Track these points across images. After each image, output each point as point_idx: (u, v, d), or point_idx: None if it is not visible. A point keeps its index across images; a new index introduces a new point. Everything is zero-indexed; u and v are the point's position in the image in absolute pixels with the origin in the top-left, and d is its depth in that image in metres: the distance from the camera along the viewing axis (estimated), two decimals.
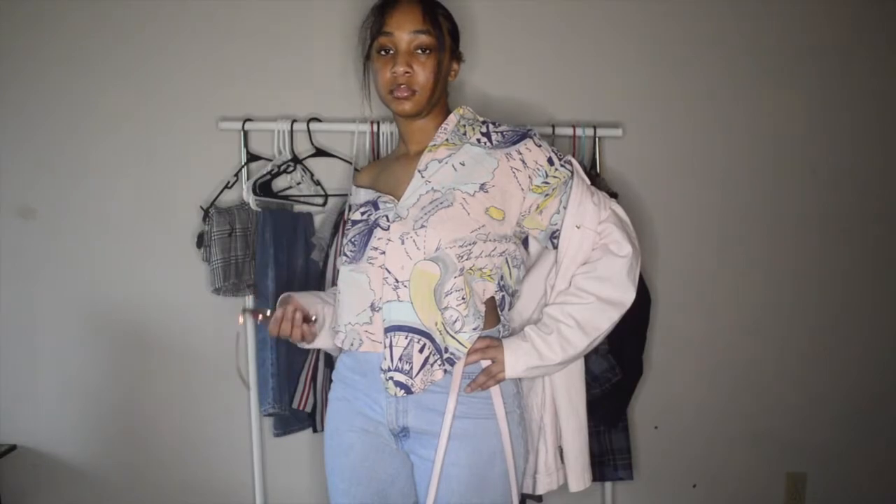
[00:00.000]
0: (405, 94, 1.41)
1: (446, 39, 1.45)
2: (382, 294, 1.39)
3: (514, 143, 1.43)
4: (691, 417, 2.20)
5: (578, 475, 1.55)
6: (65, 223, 2.08)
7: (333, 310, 1.53)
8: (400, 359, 1.36)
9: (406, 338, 1.37)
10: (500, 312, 1.46)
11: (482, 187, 1.39)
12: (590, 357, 1.88)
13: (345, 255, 1.46)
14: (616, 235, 1.43)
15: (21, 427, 2.12)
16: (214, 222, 1.93)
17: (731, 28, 2.10)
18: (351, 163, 2.00)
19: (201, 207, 2.00)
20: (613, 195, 1.96)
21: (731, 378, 2.19)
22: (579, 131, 2.00)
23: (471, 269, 1.38)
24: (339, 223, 1.93)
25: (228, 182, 2.02)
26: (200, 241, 1.97)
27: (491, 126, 1.48)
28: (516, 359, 1.39)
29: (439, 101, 1.48)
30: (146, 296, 2.10)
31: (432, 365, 1.38)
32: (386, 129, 1.96)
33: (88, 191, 2.07)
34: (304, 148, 2.02)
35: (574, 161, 1.49)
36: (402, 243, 1.37)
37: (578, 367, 1.53)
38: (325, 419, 1.55)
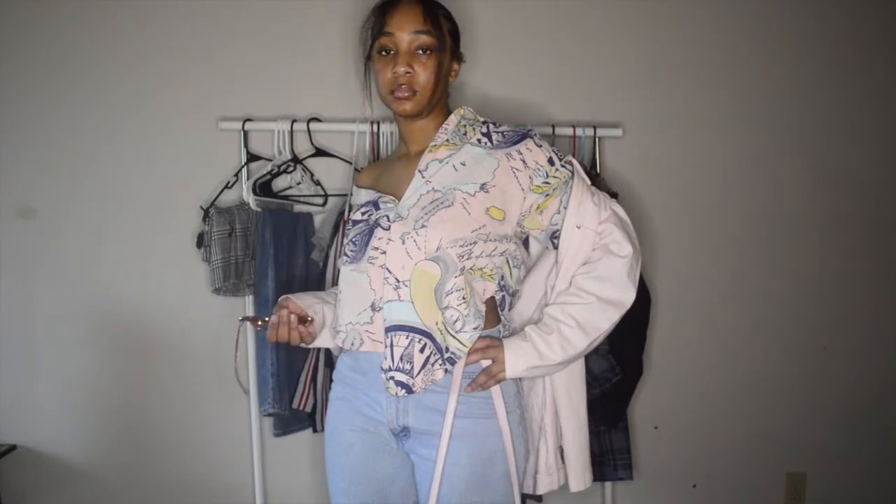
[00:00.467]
0: (406, 95, 1.41)
1: (447, 40, 1.45)
2: (383, 294, 1.39)
3: (515, 143, 1.43)
4: (691, 417, 2.20)
5: (579, 475, 1.54)
6: (65, 223, 2.08)
7: (334, 309, 1.53)
8: (401, 358, 1.37)
9: (407, 337, 1.37)
10: (500, 312, 1.46)
11: (483, 187, 1.39)
12: (590, 357, 1.88)
13: (345, 254, 1.46)
14: (616, 235, 1.43)
15: (21, 427, 2.11)
16: (214, 222, 1.93)
17: (731, 28, 2.10)
18: (351, 163, 2.00)
19: (201, 207, 2.00)
20: (613, 195, 1.96)
21: (731, 378, 2.19)
22: (579, 131, 2.00)
23: (471, 268, 1.38)
24: (339, 223, 1.93)
25: (228, 182, 2.02)
26: (200, 241, 1.97)
27: (491, 126, 1.48)
28: (517, 358, 1.39)
29: (440, 102, 1.48)
30: (146, 296, 2.10)
31: (433, 364, 1.38)
32: (386, 129, 1.96)
33: (88, 191, 2.07)
34: (304, 148, 2.02)
35: (574, 161, 1.49)
36: (403, 243, 1.37)
37: (579, 367, 1.53)
38: (326, 419, 1.55)
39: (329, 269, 1.93)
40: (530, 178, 1.42)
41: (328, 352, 1.92)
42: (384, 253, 1.39)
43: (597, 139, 2.03)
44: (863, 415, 2.22)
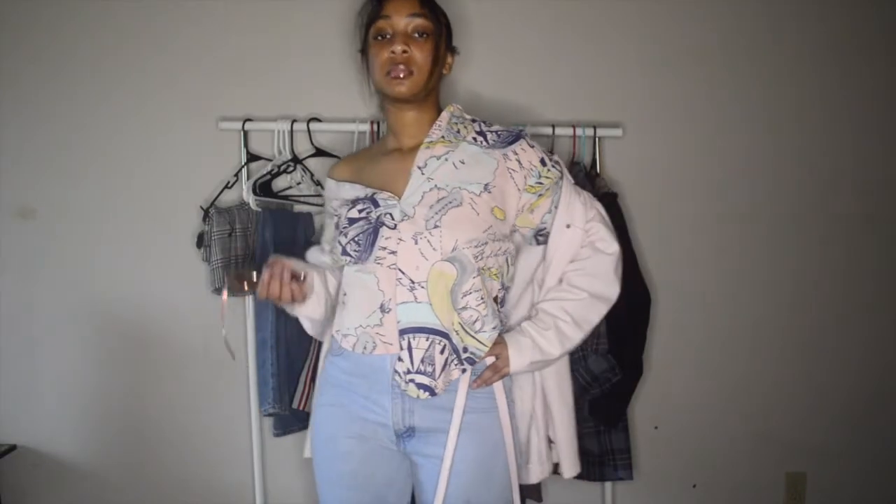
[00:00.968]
0: (402, 75, 1.40)
1: (443, 26, 1.47)
2: (395, 295, 1.38)
3: (510, 143, 1.46)
4: (691, 417, 2.20)
5: (572, 461, 1.59)
6: (65, 223, 2.08)
7: (324, 277, 1.55)
8: (422, 361, 1.37)
9: (427, 339, 1.37)
10: (499, 309, 1.48)
11: (486, 188, 1.41)
12: (590, 357, 1.89)
13: (348, 254, 1.44)
14: (603, 233, 1.49)
15: (21, 427, 2.12)
16: (214, 222, 1.93)
17: (731, 28, 2.10)
18: None
19: (201, 207, 2.00)
20: (613, 195, 1.96)
21: (731, 378, 2.19)
22: (579, 131, 2.00)
23: (483, 268, 1.41)
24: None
25: (228, 182, 2.02)
26: (200, 241, 1.97)
27: (483, 125, 1.49)
28: (520, 355, 1.41)
29: (433, 93, 1.49)
30: (146, 296, 2.10)
31: (451, 365, 1.39)
32: (385, 129, 1.96)
33: (88, 191, 2.08)
34: (304, 148, 2.02)
35: (561, 161, 1.52)
36: (416, 243, 1.37)
37: (565, 358, 1.57)
38: (314, 425, 1.52)
39: None
40: (525, 178, 1.44)
41: None
42: (394, 253, 1.38)
43: (597, 139, 2.03)
44: (863, 415, 2.22)
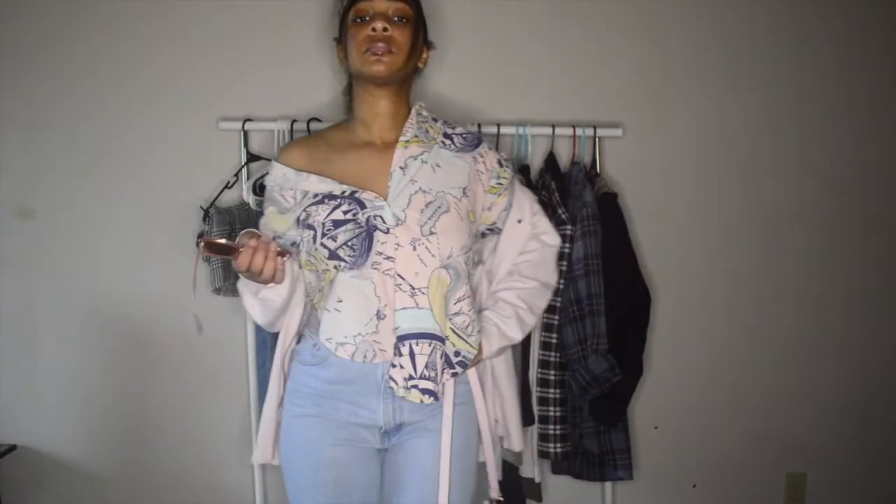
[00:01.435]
0: (381, 52, 1.38)
1: (422, 15, 1.47)
2: (393, 301, 1.37)
3: (475, 146, 1.51)
4: (691, 417, 2.20)
5: (520, 435, 1.64)
6: (65, 223, 2.08)
7: (296, 264, 1.45)
8: (426, 366, 1.37)
9: (430, 345, 1.38)
10: None
11: (464, 192, 1.45)
12: (589, 357, 1.89)
13: (340, 259, 1.38)
14: (546, 226, 1.59)
15: (21, 427, 2.12)
16: (214, 222, 1.93)
17: (731, 28, 2.10)
18: None
19: (201, 207, 2.00)
20: (613, 195, 1.96)
21: (731, 378, 2.19)
22: (579, 131, 2.00)
23: (470, 273, 1.46)
24: None
25: (228, 182, 2.02)
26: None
27: (447, 126, 1.52)
28: (489, 342, 1.48)
29: (406, 84, 1.48)
30: (146, 296, 2.10)
31: (445, 368, 1.41)
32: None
33: (88, 191, 2.08)
34: None
35: (510, 160, 1.60)
36: (415, 249, 1.37)
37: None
38: (287, 436, 1.46)
39: None
40: (488, 179, 1.51)
41: None
42: (391, 258, 1.36)
43: (597, 139, 2.03)
44: (863, 415, 2.22)
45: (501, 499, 1.55)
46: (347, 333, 1.39)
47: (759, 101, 2.12)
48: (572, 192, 1.95)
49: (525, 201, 1.56)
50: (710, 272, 2.16)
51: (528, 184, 1.93)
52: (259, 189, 1.98)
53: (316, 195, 1.40)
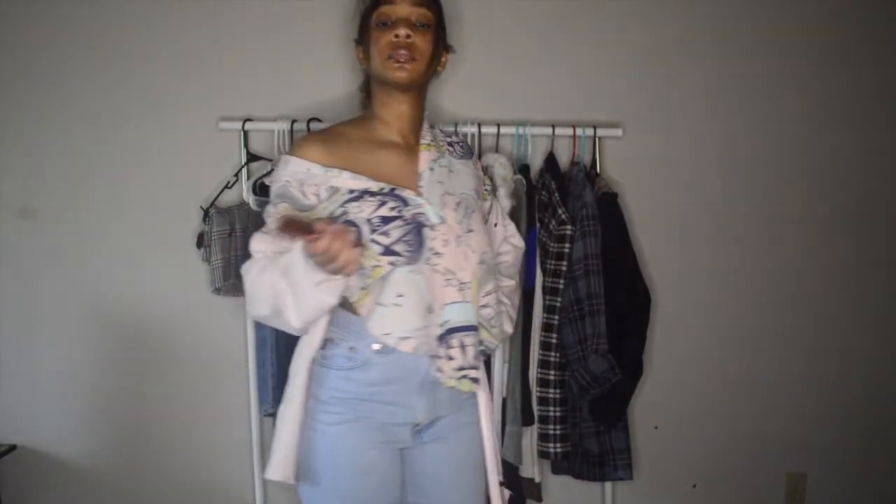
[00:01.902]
0: (405, 59, 1.39)
1: (443, 20, 1.48)
2: (443, 296, 1.38)
3: (470, 154, 1.59)
4: (691, 417, 2.20)
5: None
6: (65, 223, 2.08)
7: None
8: (475, 357, 1.42)
9: (475, 336, 1.42)
10: None
11: (476, 194, 1.51)
12: (589, 357, 1.89)
13: (396, 254, 1.36)
14: (513, 230, 1.68)
15: (21, 427, 2.12)
16: (214, 222, 1.93)
17: (731, 29, 2.10)
18: None
19: (201, 207, 2.00)
20: (613, 195, 1.96)
21: (731, 378, 2.19)
22: (579, 131, 2.00)
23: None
24: None
25: (228, 182, 2.02)
26: (200, 241, 1.97)
27: (443, 134, 1.57)
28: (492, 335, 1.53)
29: (424, 87, 1.49)
30: (146, 296, 2.10)
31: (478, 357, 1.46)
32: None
33: (88, 191, 2.08)
34: None
35: None
36: (458, 245, 1.40)
37: None
38: (325, 447, 1.41)
39: None
40: (482, 184, 1.59)
41: None
42: (439, 254, 1.38)
43: (597, 139, 2.03)
44: (863, 415, 2.22)
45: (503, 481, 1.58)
46: (409, 327, 1.36)
47: (758, 100, 2.12)
48: (572, 192, 1.95)
49: (499, 206, 1.66)
50: (710, 272, 2.16)
51: (528, 184, 1.93)
52: (259, 189, 1.98)
53: (352, 191, 1.37)
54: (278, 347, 1.96)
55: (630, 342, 1.94)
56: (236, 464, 2.13)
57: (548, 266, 1.92)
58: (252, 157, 2.02)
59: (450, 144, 1.54)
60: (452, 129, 1.92)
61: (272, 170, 1.98)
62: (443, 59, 1.51)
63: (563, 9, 2.07)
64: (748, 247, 2.16)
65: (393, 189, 1.39)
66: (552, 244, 1.92)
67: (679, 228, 2.14)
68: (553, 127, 1.99)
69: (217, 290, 1.96)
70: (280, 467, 1.43)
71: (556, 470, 2.07)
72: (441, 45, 1.48)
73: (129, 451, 2.14)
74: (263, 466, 2.10)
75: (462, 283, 1.39)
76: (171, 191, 2.08)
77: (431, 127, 1.54)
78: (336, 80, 2.04)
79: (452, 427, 1.47)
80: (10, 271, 2.09)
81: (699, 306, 2.17)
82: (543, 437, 1.92)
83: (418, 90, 1.47)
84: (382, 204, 1.37)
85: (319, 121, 2.00)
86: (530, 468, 1.96)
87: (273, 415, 1.98)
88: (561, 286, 1.89)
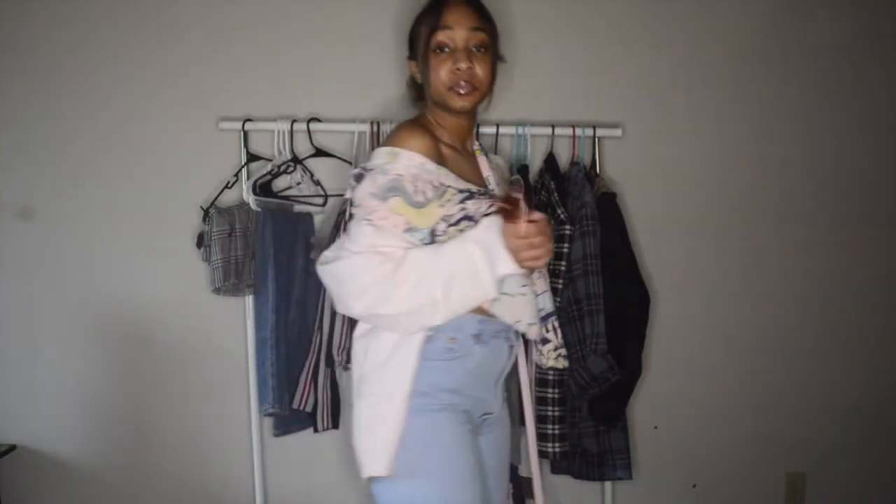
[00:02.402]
0: (467, 91, 1.41)
1: (498, 38, 1.48)
2: (536, 286, 1.48)
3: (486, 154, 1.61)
4: (691, 417, 2.20)
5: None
6: (65, 223, 2.08)
7: None
8: (560, 338, 1.54)
9: (556, 320, 1.53)
10: None
11: None
12: (588, 357, 1.89)
13: None
14: None
15: (21, 427, 2.12)
16: (214, 222, 1.93)
17: (730, 30, 2.10)
18: (351, 163, 2.00)
19: (201, 207, 2.00)
20: (613, 195, 1.96)
21: (732, 378, 2.19)
22: (579, 131, 2.00)
23: None
24: (340, 223, 1.93)
25: (228, 182, 2.03)
26: (200, 241, 1.97)
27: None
28: None
29: None
30: (146, 296, 2.10)
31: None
32: (386, 129, 1.96)
33: (88, 191, 2.08)
34: (304, 148, 2.02)
35: None
36: None
37: None
38: (435, 432, 1.41)
39: None
40: None
41: (328, 351, 1.92)
42: None
43: (596, 139, 2.03)
44: (863, 415, 2.22)
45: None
46: (533, 314, 1.46)
47: (758, 100, 2.12)
48: (571, 192, 1.95)
49: None
50: (710, 272, 2.16)
51: (526, 184, 1.93)
52: (259, 189, 1.99)
53: (462, 190, 1.37)
54: (278, 347, 1.96)
55: (629, 342, 1.94)
56: (236, 464, 2.13)
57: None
58: (252, 157, 2.02)
59: (481, 146, 1.59)
60: None
61: (272, 170, 1.98)
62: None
63: (562, 9, 2.07)
64: (747, 246, 2.16)
65: (487, 191, 1.43)
66: None
67: (679, 228, 2.14)
68: (552, 127, 2.00)
69: (217, 290, 1.96)
70: (382, 462, 1.37)
71: (556, 469, 2.07)
72: (497, 62, 1.48)
73: (129, 451, 2.14)
74: (263, 467, 2.11)
75: (541, 274, 1.50)
76: (171, 191, 2.08)
77: None
78: (336, 80, 2.04)
79: (496, 419, 1.52)
80: (10, 271, 2.09)
81: (699, 306, 2.17)
82: (542, 437, 1.91)
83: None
84: (490, 205, 1.37)
85: (319, 120, 2.01)
86: (529, 468, 1.96)
87: (273, 415, 1.99)
88: (560, 286, 1.89)
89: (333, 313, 1.91)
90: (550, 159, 2.01)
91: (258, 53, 2.05)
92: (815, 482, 2.23)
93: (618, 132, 2.04)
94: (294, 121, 1.99)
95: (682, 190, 2.13)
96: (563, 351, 1.55)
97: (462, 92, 1.40)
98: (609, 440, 1.99)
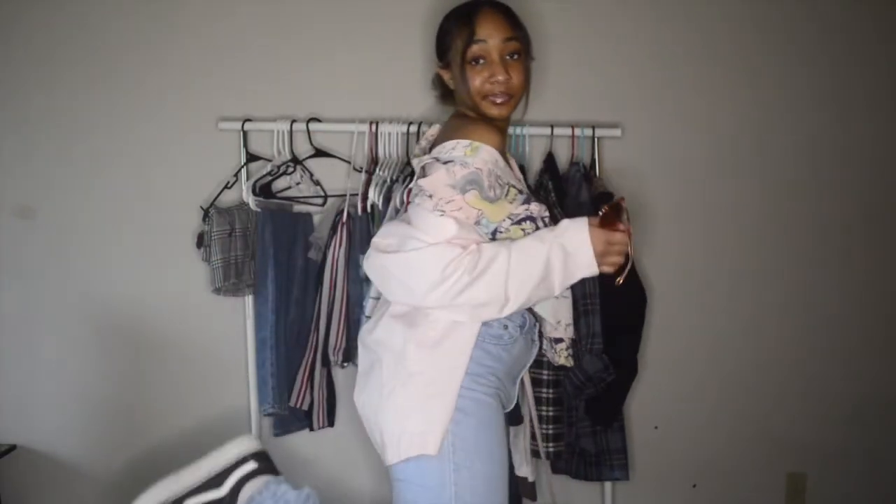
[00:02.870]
0: (503, 100, 1.44)
1: (531, 42, 1.50)
2: None
3: None
4: (691, 417, 2.19)
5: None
6: (65, 223, 2.09)
7: None
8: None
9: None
10: None
11: None
12: (584, 357, 1.89)
13: None
14: None
15: (21, 427, 2.12)
16: (214, 222, 1.94)
17: (730, 29, 2.10)
18: (350, 163, 2.01)
19: (201, 207, 2.01)
20: (611, 195, 1.96)
21: (731, 378, 2.19)
22: (578, 131, 2.00)
23: None
24: (338, 223, 1.93)
25: (228, 182, 2.03)
26: (200, 241, 1.98)
27: None
28: None
29: None
30: (146, 296, 2.10)
31: None
32: (385, 129, 1.96)
33: (88, 191, 2.08)
34: (303, 148, 2.02)
35: None
36: None
37: None
38: (486, 414, 1.42)
39: (327, 268, 1.92)
40: None
41: (325, 350, 1.92)
42: None
43: (595, 139, 2.03)
44: (863, 415, 2.21)
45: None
46: (570, 317, 1.53)
47: (758, 101, 2.12)
48: (569, 192, 1.95)
49: None
50: (708, 272, 2.16)
51: (527, 184, 1.94)
52: (259, 189, 1.99)
53: (521, 191, 1.42)
54: (278, 347, 1.96)
55: (625, 342, 1.94)
56: None
57: None
58: (252, 158, 2.03)
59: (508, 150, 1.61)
60: None
61: (272, 171, 1.98)
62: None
63: (561, 9, 2.07)
64: (747, 246, 2.16)
65: (537, 195, 1.51)
66: None
67: (677, 228, 2.14)
68: (552, 127, 2.00)
69: (217, 290, 1.96)
70: (432, 441, 1.37)
71: (555, 469, 2.07)
72: (530, 66, 1.50)
73: (129, 451, 2.14)
74: None
75: None
76: (171, 191, 2.08)
77: None
78: (336, 80, 2.04)
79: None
80: (10, 271, 2.09)
81: (698, 306, 2.17)
82: (535, 436, 1.91)
83: None
84: (541, 207, 1.43)
85: (319, 121, 2.01)
86: (524, 467, 1.96)
87: (273, 415, 1.99)
88: None
89: (330, 313, 1.92)
90: (550, 159, 2.01)
91: (258, 54, 2.06)
92: (816, 483, 2.22)
93: (617, 132, 2.04)
94: (294, 121, 1.99)
95: (681, 190, 2.13)
96: (571, 350, 1.58)
97: (498, 101, 1.43)
98: (606, 440, 1.99)
